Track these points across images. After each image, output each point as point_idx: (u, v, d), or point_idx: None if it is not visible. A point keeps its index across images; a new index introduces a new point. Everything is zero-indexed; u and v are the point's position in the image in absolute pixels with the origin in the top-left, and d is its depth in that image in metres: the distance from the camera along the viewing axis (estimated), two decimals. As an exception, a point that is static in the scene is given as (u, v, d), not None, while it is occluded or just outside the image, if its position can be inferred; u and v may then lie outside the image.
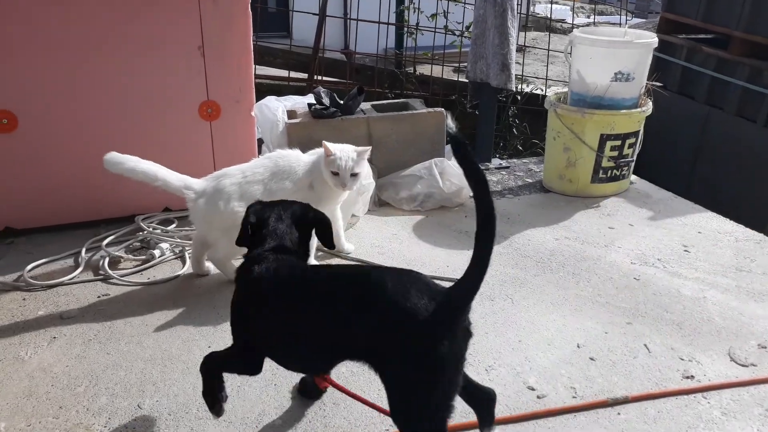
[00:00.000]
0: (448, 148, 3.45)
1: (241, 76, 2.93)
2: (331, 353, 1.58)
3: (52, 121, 2.73)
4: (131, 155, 2.36)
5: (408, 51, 5.74)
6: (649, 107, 3.46)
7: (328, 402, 1.87)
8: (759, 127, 3.92)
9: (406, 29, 5.64)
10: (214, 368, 1.69)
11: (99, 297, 2.42)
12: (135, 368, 2.02)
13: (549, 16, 7.65)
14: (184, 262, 2.69)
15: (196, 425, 1.79)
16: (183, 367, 2.02)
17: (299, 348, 1.57)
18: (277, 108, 3.54)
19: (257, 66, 3.46)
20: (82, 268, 2.58)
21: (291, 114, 3.50)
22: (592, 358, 2.12)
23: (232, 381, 1.91)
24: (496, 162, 4.08)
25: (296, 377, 1.92)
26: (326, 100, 3.39)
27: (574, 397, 1.94)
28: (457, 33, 5.41)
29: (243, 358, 1.65)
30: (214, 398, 1.68)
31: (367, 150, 2.50)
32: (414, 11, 5.43)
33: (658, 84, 3.67)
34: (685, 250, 2.90)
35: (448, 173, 3.26)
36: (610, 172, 3.46)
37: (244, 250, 1.71)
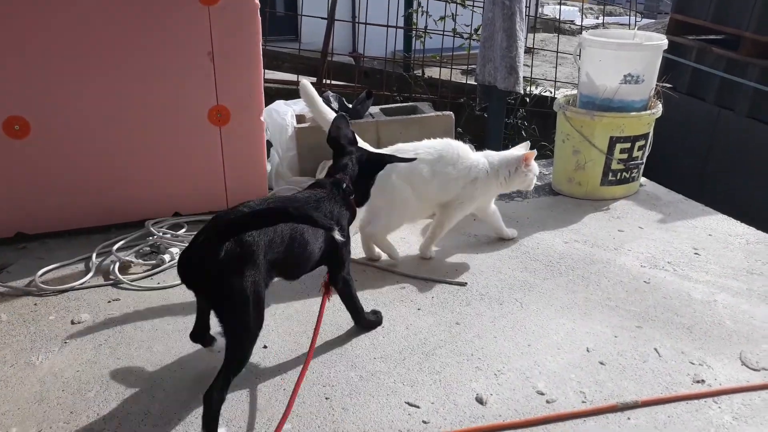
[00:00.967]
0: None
1: (251, 80, 2.94)
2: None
3: (64, 126, 2.75)
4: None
5: (416, 54, 5.74)
6: (658, 109, 3.44)
7: (337, 407, 1.88)
8: (770, 129, 3.89)
9: (414, 32, 5.65)
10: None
11: (109, 302, 2.43)
12: (145, 373, 2.03)
13: (558, 17, 7.64)
14: (193, 267, 2.69)
15: None
16: (193, 373, 2.03)
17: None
18: (286, 112, 3.54)
19: (266, 70, 3.47)
20: (92, 273, 2.60)
21: (300, 118, 3.52)
22: (601, 363, 2.11)
23: (241, 386, 1.92)
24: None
25: (310, 378, 1.93)
26: (335, 104, 3.41)
27: (583, 401, 1.93)
28: (465, 36, 5.40)
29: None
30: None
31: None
32: (422, 14, 5.44)
33: (668, 85, 3.64)
34: (696, 253, 2.88)
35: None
36: (619, 174, 3.44)
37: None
